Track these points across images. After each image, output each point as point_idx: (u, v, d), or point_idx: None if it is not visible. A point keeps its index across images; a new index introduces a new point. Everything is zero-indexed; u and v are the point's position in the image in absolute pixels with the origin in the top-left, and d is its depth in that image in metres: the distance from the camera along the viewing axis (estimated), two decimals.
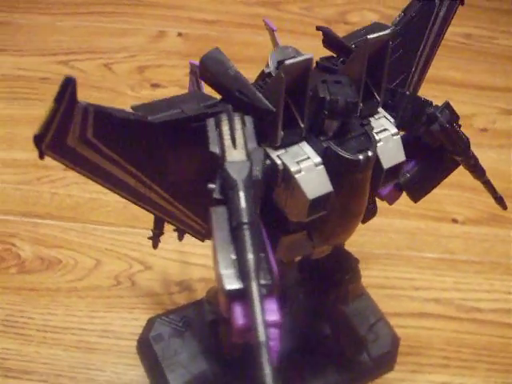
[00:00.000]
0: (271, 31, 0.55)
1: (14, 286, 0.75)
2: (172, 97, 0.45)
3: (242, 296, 0.34)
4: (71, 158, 0.39)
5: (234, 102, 0.42)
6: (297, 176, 0.41)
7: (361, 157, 0.40)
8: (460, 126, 0.47)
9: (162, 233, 0.55)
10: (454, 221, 0.87)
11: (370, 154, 0.41)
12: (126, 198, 0.46)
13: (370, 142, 0.42)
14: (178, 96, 0.45)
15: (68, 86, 0.35)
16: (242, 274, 0.33)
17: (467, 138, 0.47)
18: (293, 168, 0.41)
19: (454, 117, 0.45)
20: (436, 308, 0.78)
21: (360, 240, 0.84)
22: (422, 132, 0.45)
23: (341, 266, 0.57)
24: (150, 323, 0.71)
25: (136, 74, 1.04)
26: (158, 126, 0.40)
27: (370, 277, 0.80)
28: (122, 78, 1.03)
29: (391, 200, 0.51)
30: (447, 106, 0.45)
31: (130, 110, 0.42)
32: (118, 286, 0.77)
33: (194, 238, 0.51)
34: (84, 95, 0.42)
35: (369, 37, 0.40)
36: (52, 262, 0.78)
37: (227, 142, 0.38)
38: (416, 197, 0.51)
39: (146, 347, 0.70)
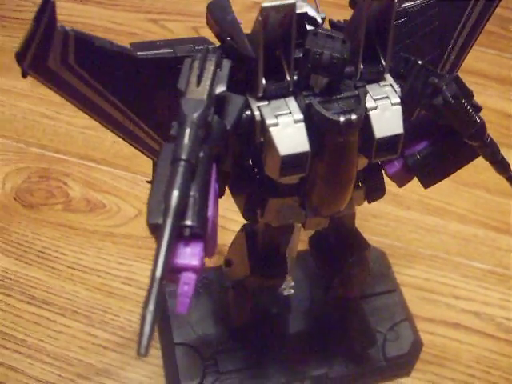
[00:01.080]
0: None
1: (56, 221, 0.79)
2: (176, 38, 0.44)
3: None
4: (54, 81, 0.40)
5: (226, 48, 0.40)
6: (271, 129, 0.38)
7: (342, 118, 0.37)
8: (479, 109, 0.42)
9: None
10: None
11: (353, 117, 0.37)
12: (116, 135, 0.46)
13: (358, 106, 0.39)
14: (180, 38, 0.44)
15: (46, 7, 0.35)
16: (164, 209, 0.32)
17: (482, 121, 0.41)
18: (269, 121, 0.38)
19: (464, 93, 0.40)
20: (474, 321, 0.72)
21: (408, 236, 0.80)
22: (425, 105, 0.41)
23: (346, 247, 0.53)
24: None
25: None
26: (141, 61, 0.40)
27: (409, 276, 0.76)
28: None
29: (400, 181, 0.47)
30: (456, 78, 0.40)
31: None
32: (152, 239, 0.78)
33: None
34: None
35: None
36: (97, 205, 0.81)
37: (193, 79, 0.37)
38: (426, 182, 0.47)
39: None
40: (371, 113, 0.40)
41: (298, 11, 0.42)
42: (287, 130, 0.38)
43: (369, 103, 0.40)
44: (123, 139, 0.46)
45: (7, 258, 0.75)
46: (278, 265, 0.53)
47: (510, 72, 1.03)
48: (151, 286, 0.30)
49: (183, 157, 0.33)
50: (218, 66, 0.38)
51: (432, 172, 0.46)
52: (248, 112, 0.39)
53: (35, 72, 0.39)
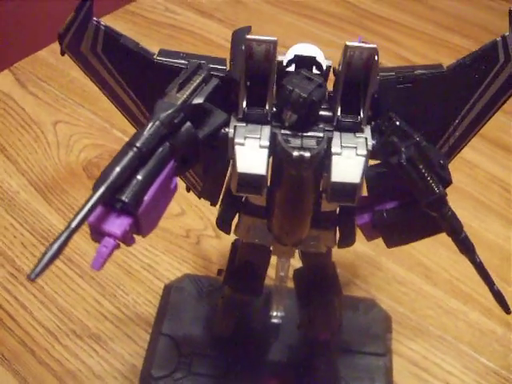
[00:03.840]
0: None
1: None
2: (198, 54, 0.49)
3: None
4: (84, 64, 0.47)
5: (230, 72, 0.45)
6: (237, 147, 0.42)
7: (295, 153, 0.40)
8: (445, 180, 0.43)
9: None
10: None
11: (306, 154, 0.40)
12: (130, 123, 0.52)
13: (317, 147, 0.41)
14: (202, 55, 0.49)
15: (85, 3, 0.43)
16: (102, 179, 0.37)
17: (442, 192, 0.42)
18: (237, 139, 0.42)
19: (424, 159, 0.41)
20: None
21: (424, 311, 0.79)
22: (383, 162, 0.42)
23: (316, 287, 0.55)
24: (183, 276, 0.77)
25: None
26: (155, 64, 0.46)
27: (409, 348, 0.75)
28: None
29: (367, 234, 0.48)
30: (416, 144, 0.41)
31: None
32: (185, 239, 0.84)
33: None
34: None
35: (347, 43, 0.40)
36: None
37: (176, 86, 0.42)
38: (388, 242, 0.47)
39: (166, 292, 0.75)
40: (333, 157, 0.42)
41: (309, 55, 0.46)
42: (251, 152, 0.42)
43: (335, 148, 0.42)
44: (133, 125, 0.52)
45: (57, 216, 0.84)
46: (249, 283, 0.56)
47: None
48: (63, 231, 0.35)
49: (137, 144, 0.38)
50: (205, 81, 0.43)
51: (395, 234, 0.47)
52: (227, 129, 0.44)
53: (70, 52, 0.46)
